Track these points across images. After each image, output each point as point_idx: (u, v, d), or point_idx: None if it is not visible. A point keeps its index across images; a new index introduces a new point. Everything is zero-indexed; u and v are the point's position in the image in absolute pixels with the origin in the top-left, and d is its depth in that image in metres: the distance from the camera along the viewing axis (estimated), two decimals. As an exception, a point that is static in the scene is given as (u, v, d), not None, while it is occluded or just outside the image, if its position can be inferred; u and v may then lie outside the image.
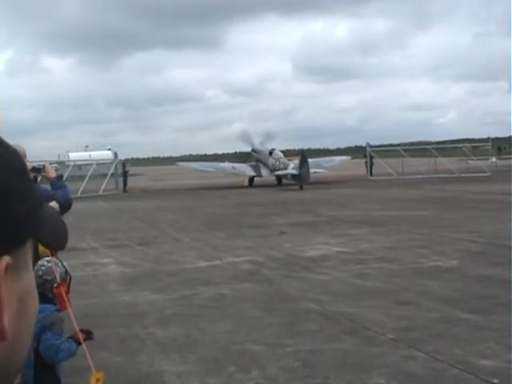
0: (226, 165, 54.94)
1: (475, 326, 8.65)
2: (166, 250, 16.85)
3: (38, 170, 6.04)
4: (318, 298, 10.63)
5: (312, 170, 45.72)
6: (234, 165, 53.53)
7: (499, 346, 7.74)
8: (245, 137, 55.00)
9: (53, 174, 5.96)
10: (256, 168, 50.36)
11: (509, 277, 11.61)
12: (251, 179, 50.28)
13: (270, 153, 50.35)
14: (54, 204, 5.68)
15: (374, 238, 17.68)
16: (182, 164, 62.26)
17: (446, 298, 10.27)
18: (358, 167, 58.85)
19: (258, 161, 51.57)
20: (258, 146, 53.06)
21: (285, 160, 48.90)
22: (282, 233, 19.63)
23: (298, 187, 42.30)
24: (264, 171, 49.46)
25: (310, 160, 48.64)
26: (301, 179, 43.61)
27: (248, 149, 55.77)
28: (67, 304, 5.27)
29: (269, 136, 54.73)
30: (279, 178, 48.56)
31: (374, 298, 10.49)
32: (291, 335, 8.52)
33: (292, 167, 46.40)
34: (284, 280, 12.40)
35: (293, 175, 45.36)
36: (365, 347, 7.92)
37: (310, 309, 9.98)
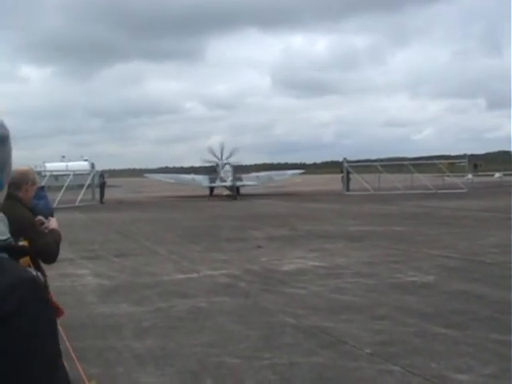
0: (186, 176, 61.76)
1: (451, 340, 8.70)
2: (142, 262, 16.80)
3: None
4: (294, 312, 10.64)
5: (242, 183, 54.46)
6: (194, 176, 60.02)
7: (475, 360, 7.78)
8: (212, 152, 60.75)
9: (53, 226, 5.73)
10: (212, 180, 55.94)
11: (485, 292, 11.71)
12: (212, 189, 56.50)
13: (223, 166, 56.76)
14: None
15: (350, 252, 17.73)
16: (148, 176, 68.17)
17: (423, 313, 10.31)
18: (335, 182, 59.26)
19: (217, 173, 57.34)
20: (220, 160, 59.18)
21: (228, 173, 53.95)
22: (258, 247, 19.61)
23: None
24: (217, 182, 54.98)
25: (263, 173, 61.79)
26: (231, 190, 51.47)
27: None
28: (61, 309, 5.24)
29: (234, 151, 60.78)
30: (225, 188, 54.34)
31: (350, 313, 10.51)
32: (268, 348, 8.51)
33: (230, 179, 52.86)
34: (261, 294, 12.39)
35: (226, 186, 52.92)
36: (342, 361, 7.93)
37: (286, 322, 9.98)
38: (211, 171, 59.37)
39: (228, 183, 52.88)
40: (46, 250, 5.25)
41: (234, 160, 59.14)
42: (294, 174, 66.82)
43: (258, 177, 59.99)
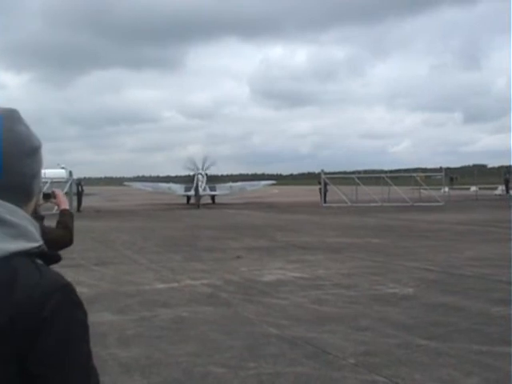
0: (163, 185, 65.11)
1: (434, 352, 8.81)
2: (123, 271, 16.78)
3: (47, 195, 4.96)
4: (277, 322, 10.70)
5: (213, 192, 59.08)
6: (170, 185, 63.10)
7: (457, 371, 7.89)
8: (191, 162, 63.65)
9: (64, 205, 4.90)
10: (187, 189, 58.17)
11: (465, 305, 11.85)
12: (188, 198, 57.95)
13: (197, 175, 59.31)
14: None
15: (329, 264, 17.83)
16: (128, 183, 71.37)
17: (404, 325, 10.42)
18: (312, 194, 59.42)
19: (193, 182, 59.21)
20: (197, 171, 61.43)
21: (199, 183, 57.52)
22: (238, 257, 19.66)
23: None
24: (191, 191, 56.81)
25: (237, 184, 65.18)
26: (197, 199, 54.17)
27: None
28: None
29: (211, 162, 63.96)
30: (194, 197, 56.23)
31: (332, 324, 10.59)
32: (253, 358, 8.57)
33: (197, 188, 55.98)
34: (242, 304, 12.44)
35: (194, 195, 55.38)
36: (326, 371, 8.00)
37: (269, 333, 10.05)
38: (189, 181, 61.08)
39: (195, 192, 55.40)
40: (61, 241, 4.49)
41: (213, 170, 63.03)
42: (266, 185, 70.73)
43: (231, 187, 62.64)
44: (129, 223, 35.01)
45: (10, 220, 1.71)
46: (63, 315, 1.64)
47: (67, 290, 1.69)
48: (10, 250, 1.67)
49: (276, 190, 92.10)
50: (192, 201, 56.45)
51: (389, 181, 55.80)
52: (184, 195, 58.44)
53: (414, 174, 61.60)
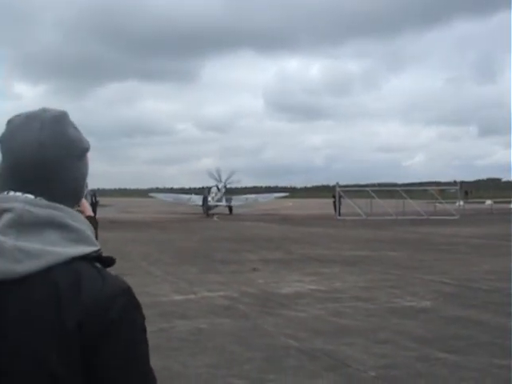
0: (184, 196, 69.99)
1: (454, 365, 8.78)
2: (139, 283, 16.75)
3: None
4: (296, 335, 10.69)
5: (221, 203, 62.14)
6: (191, 196, 67.22)
7: (479, 386, 7.86)
8: (213, 174, 67.86)
9: (88, 212, 4.99)
10: (205, 199, 60.37)
11: (483, 318, 11.80)
12: (207, 209, 60.33)
13: (209, 190, 63.22)
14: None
15: (346, 277, 17.81)
16: (153, 195, 76.09)
17: (423, 338, 10.39)
18: (326, 206, 59.32)
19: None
20: (218, 183, 65.90)
21: (212, 195, 62.26)
22: (254, 269, 19.59)
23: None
24: (210, 202, 60.33)
25: (251, 196, 69.23)
26: (208, 209, 58.60)
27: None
28: None
29: (232, 173, 68.49)
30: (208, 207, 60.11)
31: (351, 336, 10.57)
32: (273, 370, 8.56)
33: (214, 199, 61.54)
34: (260, 316, 12.43)
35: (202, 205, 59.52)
36: (346, 384, 7.99)
37: (289, 345, 10.03)
38: (203, 193, 63.77)
39: (203, 202, 59.88)
40: None
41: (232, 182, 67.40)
42: (278, 197, 74.71)
43: (247, 199, 66.69)
44: (143, 234, 35.07)
45: (71, 225, 1.75)
46: (128, 318, 1.69)
47: (129, 293, 1.74)
48: (73, 255, 1.70)
49: (290, 202, 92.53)
50: (204, 211, 59.15)
51: (403, 194, 55.67)
52: (204, 206, 60.36)
53: (429, 188, 61.49)
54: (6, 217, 1.69)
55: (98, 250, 1.79)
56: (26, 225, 1.69)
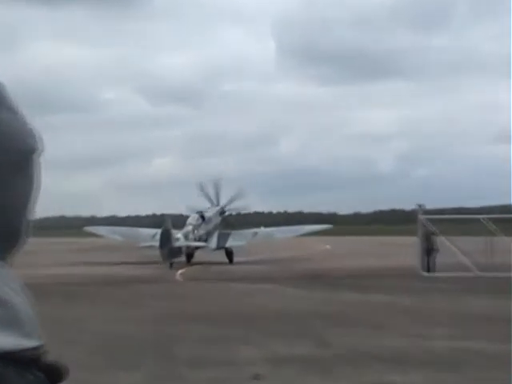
0: (145, 231, 44.35)
1: None
2: None
3: None
4: None
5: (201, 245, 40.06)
6: (157, 231, 40.45)
7: None
8: (207, 194, 45.98)
9: None
10: (165, 236, 38.17)
11: None
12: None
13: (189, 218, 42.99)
14: None
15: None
16: (91, 229, 51.27)
17: None
18: (399, 251, 38.62)
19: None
20: (216, 206, 44.97)
21: (190, 229, 40.73)
22: (255, 378, 11.75)
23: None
24: (170, 241, 38.09)
25: (263, 230, 44.37)
26: (163, 254, 36.51)
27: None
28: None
29: (239, 194, 46.25)
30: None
31: None
32: None
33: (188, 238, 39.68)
34: None
35: (160, 248, 37.36)
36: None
37: None
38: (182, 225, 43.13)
39: (160, 243, 37.24)
40: None
41: (240, 205, 45.48)
42: (312, 231, 46.61)
43: (256, 233, 43.48)
44: (41, 308, 21.41)
45: None
46: None
47: None
48: None
49: (327, 245, 59.59)
50: (164, 258, 37.00)
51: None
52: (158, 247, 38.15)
53: None
54: None
55: (41, 346, 1.06)
56: None
